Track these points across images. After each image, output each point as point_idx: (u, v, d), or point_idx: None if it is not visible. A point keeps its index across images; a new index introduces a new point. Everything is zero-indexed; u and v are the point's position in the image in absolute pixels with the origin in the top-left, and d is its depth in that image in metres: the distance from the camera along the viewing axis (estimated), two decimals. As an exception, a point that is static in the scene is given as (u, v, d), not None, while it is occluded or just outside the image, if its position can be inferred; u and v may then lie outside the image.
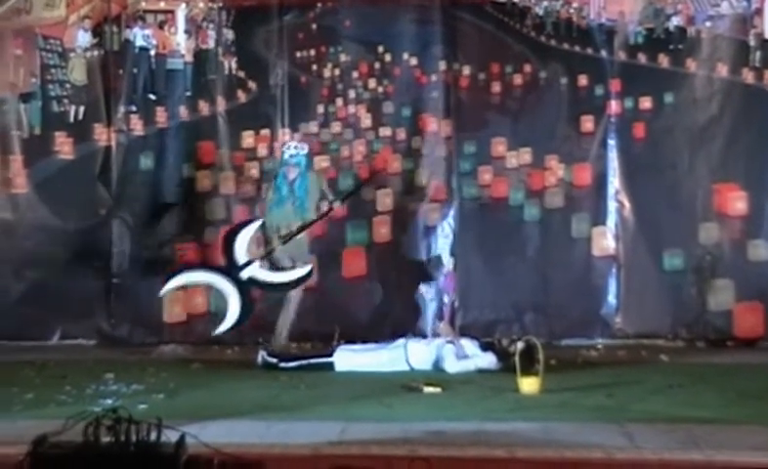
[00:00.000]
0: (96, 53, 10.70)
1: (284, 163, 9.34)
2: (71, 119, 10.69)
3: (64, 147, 10.66)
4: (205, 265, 9.63)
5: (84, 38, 10.73)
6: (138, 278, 10.31)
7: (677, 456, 5.27)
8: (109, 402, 6.56)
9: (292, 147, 9.41)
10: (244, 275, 8.85)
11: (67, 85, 10.73)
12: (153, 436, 4.60)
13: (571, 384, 7.46)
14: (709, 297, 10.05)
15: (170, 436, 4.67)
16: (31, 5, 10.78)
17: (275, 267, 9.18)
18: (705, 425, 6.02)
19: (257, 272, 8.94)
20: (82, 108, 10.69)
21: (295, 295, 9.29)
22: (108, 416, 4.62)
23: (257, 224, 9.21)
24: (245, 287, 8.86)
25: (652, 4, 10.45)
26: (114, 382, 7.66)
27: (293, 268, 9.16)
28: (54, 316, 10.32)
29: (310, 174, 9.41)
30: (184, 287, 9.57)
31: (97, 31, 10.72)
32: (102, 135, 10.60)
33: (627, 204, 10.25)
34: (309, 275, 9.16)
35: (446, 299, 10.15)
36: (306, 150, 9.42)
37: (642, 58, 10.43)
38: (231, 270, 8.89)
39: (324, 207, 9.36)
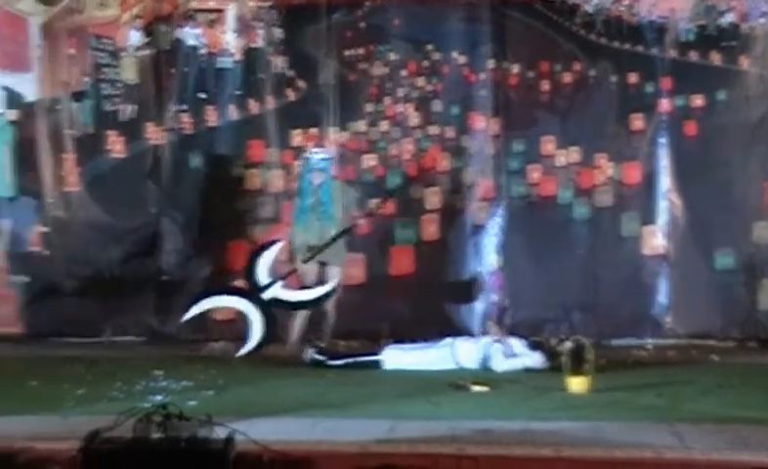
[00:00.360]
0: (147, 52, 10.82)
1: (310, 169, 9.35)
2: (123, 118, 10.82)
3: (115, 145, 10.78)
4: (228, 289, 9.61)
5: (135, 37, 10.85)
6: (187, 276, 10.40)
7: (726, 457, 5.21)
8: (159, 398, 6.60)
9: (318, 152, 9.43)
10: (267, 295, 8.91)
11: (119, 84, 10.85)
12: (203, 432, 4.64)
13: (620, 384, 7.40)
14: (761, 296, 9.93)
15: (219, 432, 4.71)
16: (84, 4, 10.91)
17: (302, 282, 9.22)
18: (755, 425, 5.94)
19: (280, 291, 8.98)
20: (133, 107, 10.81)
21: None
22: (159, 412, 4.67)
23: (279, 245, 9.21)
24: (268, 308, 8.91)
25: (703, 1, 10.35)
26: (164, 379, 7.70)
27: (319, 284, 9.17)
28: (104, 313, 10.43)
29: (338, 185, 9.41)
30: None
31: (148, 30, 10.84)
32: (152, 133, 10.71)
33: (678, 203, 10.15)
34: (333, 291, 9.17)
35: (493, 298, 10.13)
36: (331, 156, 9.44)
37: (693, 55, 10.34)
38: (253, 291, 8.95)
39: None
